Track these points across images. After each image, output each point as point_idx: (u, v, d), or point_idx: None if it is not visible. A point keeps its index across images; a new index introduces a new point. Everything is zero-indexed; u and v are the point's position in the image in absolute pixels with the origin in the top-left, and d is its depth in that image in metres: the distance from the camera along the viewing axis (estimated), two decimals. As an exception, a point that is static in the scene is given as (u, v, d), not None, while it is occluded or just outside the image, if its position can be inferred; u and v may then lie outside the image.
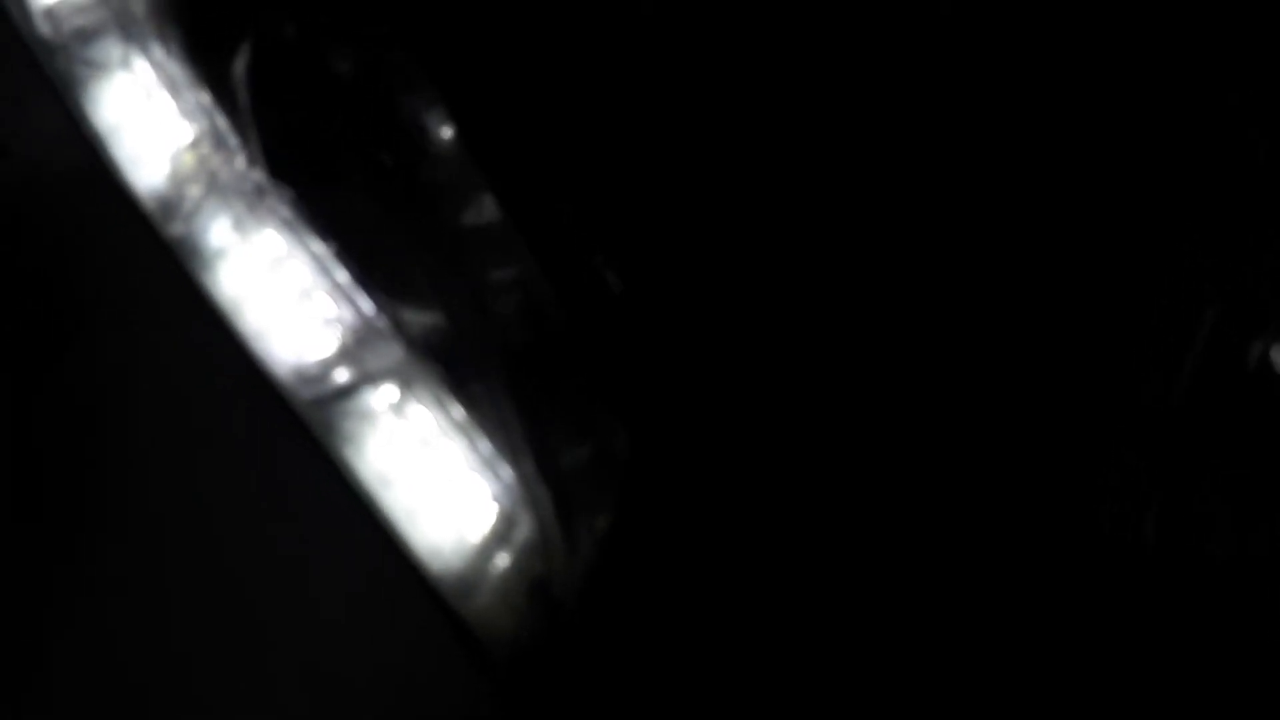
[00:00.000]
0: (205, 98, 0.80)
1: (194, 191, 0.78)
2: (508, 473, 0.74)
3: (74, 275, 0.90)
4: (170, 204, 0.79)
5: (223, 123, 0.79)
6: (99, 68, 0.83)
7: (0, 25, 0.85)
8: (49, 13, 0.85)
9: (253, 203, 0.79)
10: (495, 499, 0.73)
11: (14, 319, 0.90)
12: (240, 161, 0.79)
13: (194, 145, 0.80)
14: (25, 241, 0.92)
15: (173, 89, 0.81)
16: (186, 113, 0.81)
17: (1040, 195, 0.73)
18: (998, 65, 0.73)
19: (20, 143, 0.94)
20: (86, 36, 0.83)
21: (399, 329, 0.76)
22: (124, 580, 0.84)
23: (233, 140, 0.80)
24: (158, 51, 0.81)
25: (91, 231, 0.88)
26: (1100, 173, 0.73)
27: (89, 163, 0.82)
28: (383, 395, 0.75)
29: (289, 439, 0.75)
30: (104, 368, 0.81)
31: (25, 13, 0.86)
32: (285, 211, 0.79)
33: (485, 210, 0.75)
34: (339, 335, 0.76)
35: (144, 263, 0.78)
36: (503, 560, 0.72)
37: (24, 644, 0.84)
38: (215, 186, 0.78)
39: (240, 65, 0.81)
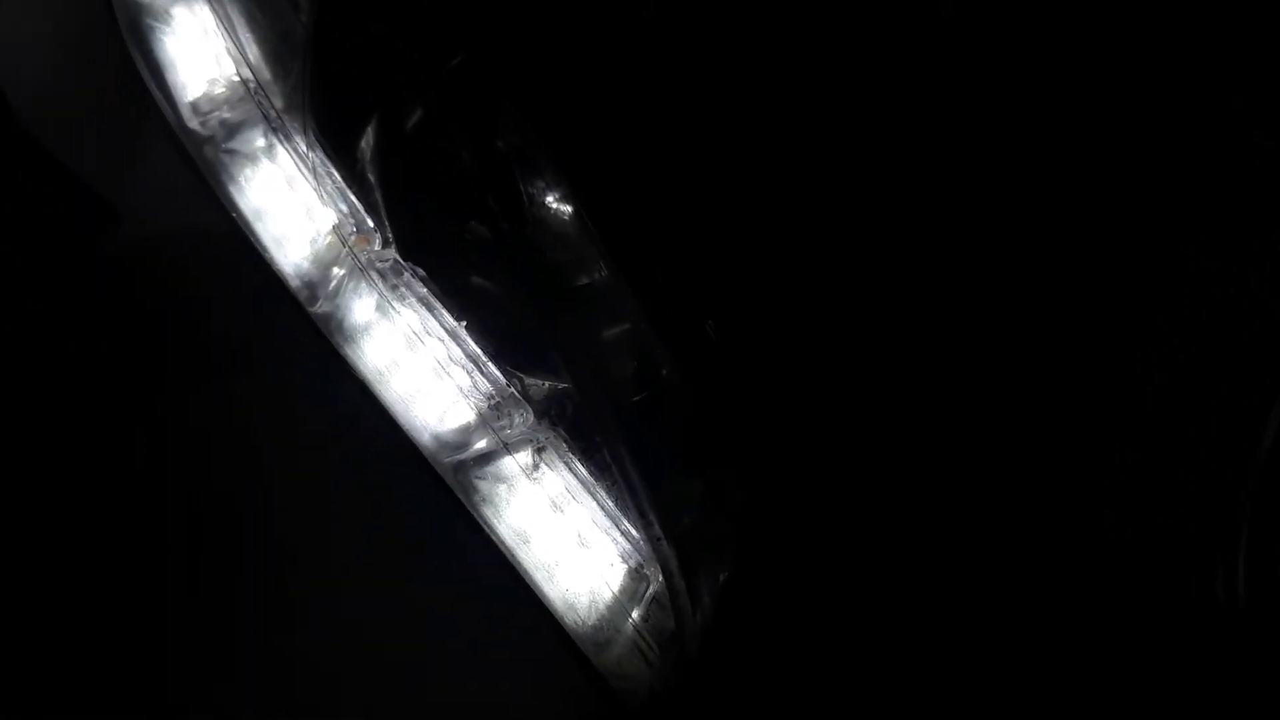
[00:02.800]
0: (342, 184, 0.87)
1: (337, 272, 0.85)
2: (634, 531, 0.79)
3: (218, 344, 0.98)
4: (316, 284, 0.86)
5: (360, 207, 0.86)
6: (245, 157, 0.90)
7: (152, 120, 0.94)
8: (195, 106, 0.92)
9: (391, 281, 0.85)
10: (623, 557, 0.79)
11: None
12: (378, 243, 0.85)
13: (336, 229, 0.86)
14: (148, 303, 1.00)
15: (314, 176, 0.88)
16: (327, 198, 0.87)
17: (1054, 198, 0.75)
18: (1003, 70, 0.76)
19: (164, 220, 1.02)
20: (232, 129, 0.90)
21: (527, 396, 0.82)
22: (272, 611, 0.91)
23: (369, 223, 0.86)
24: (299, 141, 0.88)
25: (237, 305, 0.95)
26: (1107, 175, 0.75)
27: (235, 241, 0.89)
28: (517, 459, 0.81)
29: (433, 500, 0.82)
30: (255, 439, 0.88)
31: (174, 106, 0.94)
32: (420, 289, 0.85)
33: (597, 274, 0.81)
34: (474, 404, 0.82)
35: (292, 336, 0.85)
36: (634, 614, 0.78)
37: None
38: (357, 267, 0.85)
39: (368, 152, 0.87)
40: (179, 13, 0.96)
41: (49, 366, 1.07)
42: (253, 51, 0.92)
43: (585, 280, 0.81)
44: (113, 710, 0.94)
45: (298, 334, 0.84)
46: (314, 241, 0.86)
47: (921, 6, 0.78)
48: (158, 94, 0.94)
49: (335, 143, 0.87)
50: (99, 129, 1.04)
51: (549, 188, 0.80)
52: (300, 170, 0.88)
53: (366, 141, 0.87)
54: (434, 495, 0.80)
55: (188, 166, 0.88)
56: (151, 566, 0.95)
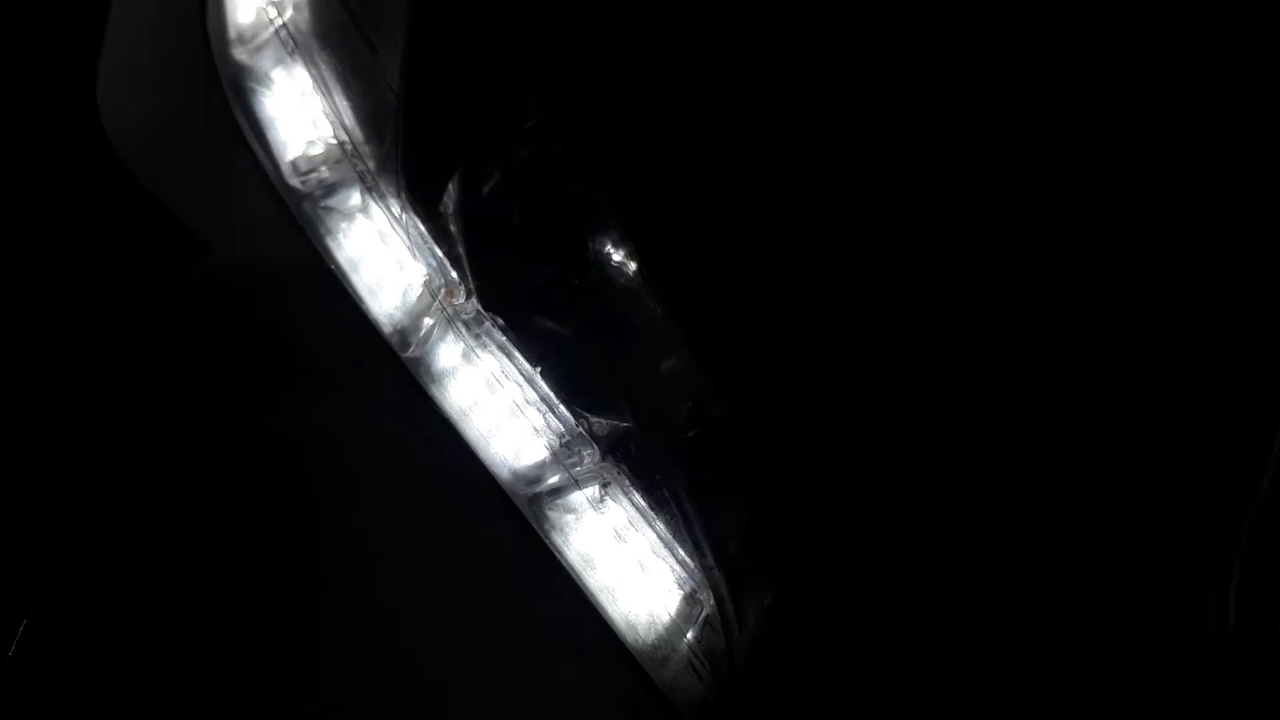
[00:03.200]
0: (431, 241, 0.96)
1: (427, 322, 0.94)
2: (688, 559, 0.89)
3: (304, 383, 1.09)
4: (407, 331, 0.96)
5: (445, 261, 0.96)
6: (341, 214, 1.00)
7: (252, 174, 1.04)
8: (295, 165, 1.02)
9: (474, 330, 0.95)
10: (679, 583, 0.88)
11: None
12: (462, 294, 0.95)
13: (426, 283, 0.96)
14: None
15: (405, 232, 0.98)
16: (417, 253, 0.97)
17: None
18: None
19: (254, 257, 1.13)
20: (330, 188, 1.00)
21: (594, 435, 0.92)
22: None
23: (454, 276, 0.96)
24: (392, 202, 0.98)
25: (328, 342, 1.05)
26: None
27: (331, 289, 0.99)
28: (585, 493, 0.90)
29: (509, 527, 0.91)
30: (343, 467, 0.99)
31: (275, 163, 1.04)
32: (499, 336, 0.94)
33: (655, 323, 0.90)
34: (547, 443, 0.92)
35: (382, 376, 0.95)
36: (688, 635, 0.87)
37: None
38: (445, 317, 0.94)
39: (452, 211, 0.97)
40: (278, 75, 1.06)
41: (138, 390, 1.19)
42: (348, 115, 1.02)
43: (643, 328, 0.90)
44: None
45: (388, 374, 0.95)
46: (405, 293, 0.96)
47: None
48: (259, 150, 1.04)
49: (424, 204, 0.96)
50: (197, 174, 1.14)
51: (612, 240, 0.90)
52: (393, 226, 0.98)
53: (450, 201, 0.96)
54: (511, 523, 0.90)
55: (286, 221, 0.99)
56: (238, 593, 1.06)
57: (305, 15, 1.06)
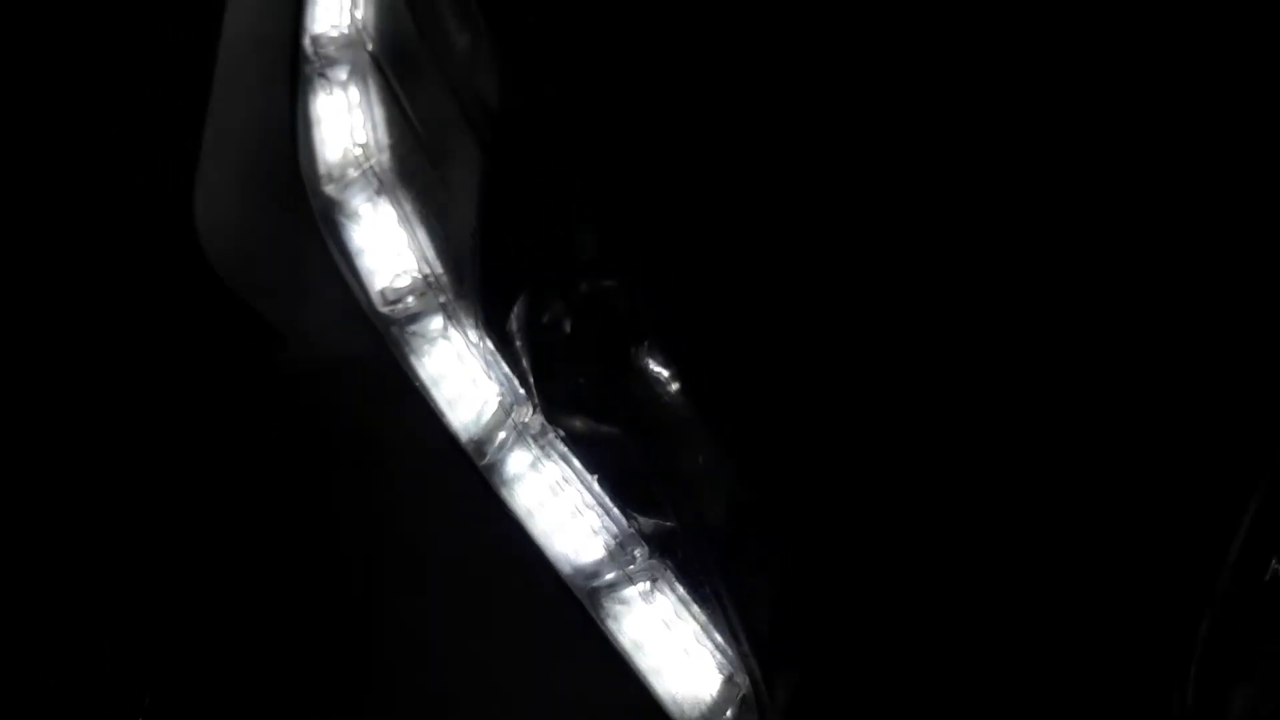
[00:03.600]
0: (502, 363, 1.11)
1: (500, 435, 1.09)
2: (726, 646, 1.02)
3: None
4: (481, 441, 1.10)
5: (515, 381, 1.10)
6: (424, 338, 1.15)
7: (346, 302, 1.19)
8: (383, 294, 1.17)
9: (540, 441, 1.09)
10: (719, 668, 1.01)
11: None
12: (529, 411, 1.09)
13: (500, 400, 1.11)
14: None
15: (480, 356, 1.12)
16: (491, 373, 1.12)
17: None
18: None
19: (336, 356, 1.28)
20: (414, 316, 1.15)
21: (644, 535, 1.05)
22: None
23: (522, 393, 1.10)
24: (469, 329, 1.12)
25: (407, 443, 1.20)
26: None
27: (416, 403, 1.13)
28: (637, 588, 1.04)
29: (572, 616, 1.05)
30: (417, 560, 1.12)
31: (365, 290, 1.19)
32: (561, 447, 1.08)
33: (695, 432, 1.04)
34: (603, 542, 1.05)
35: (461, 482, 1.09)
36: (727, 713, 1.00)
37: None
38: (515, 431, 1.09)
39: (519, 337, 1.12)
40: (365, 210, 1.21)
41: (220, 477, 1.33)
42: (429, 249, 1.16)
43: (686, 444, 1.05)
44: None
45: (467, 479, 1.09)
46: (481, 409, 1.10)
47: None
48: (350, 278, 1.19)
49: (496, 331, 1.11)
50: (288, 293, 1.29)
51: (651, 354, 1.04)
52: (469, 349, 1.12)
53: (517, 329, 1.11)
54: (572, 611, 1.04)
55: (377, 344, 1.13)
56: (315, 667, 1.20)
57: (389, 158, 1.21)
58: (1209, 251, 0.99)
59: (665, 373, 1.04)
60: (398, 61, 1.22)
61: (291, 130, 1.24)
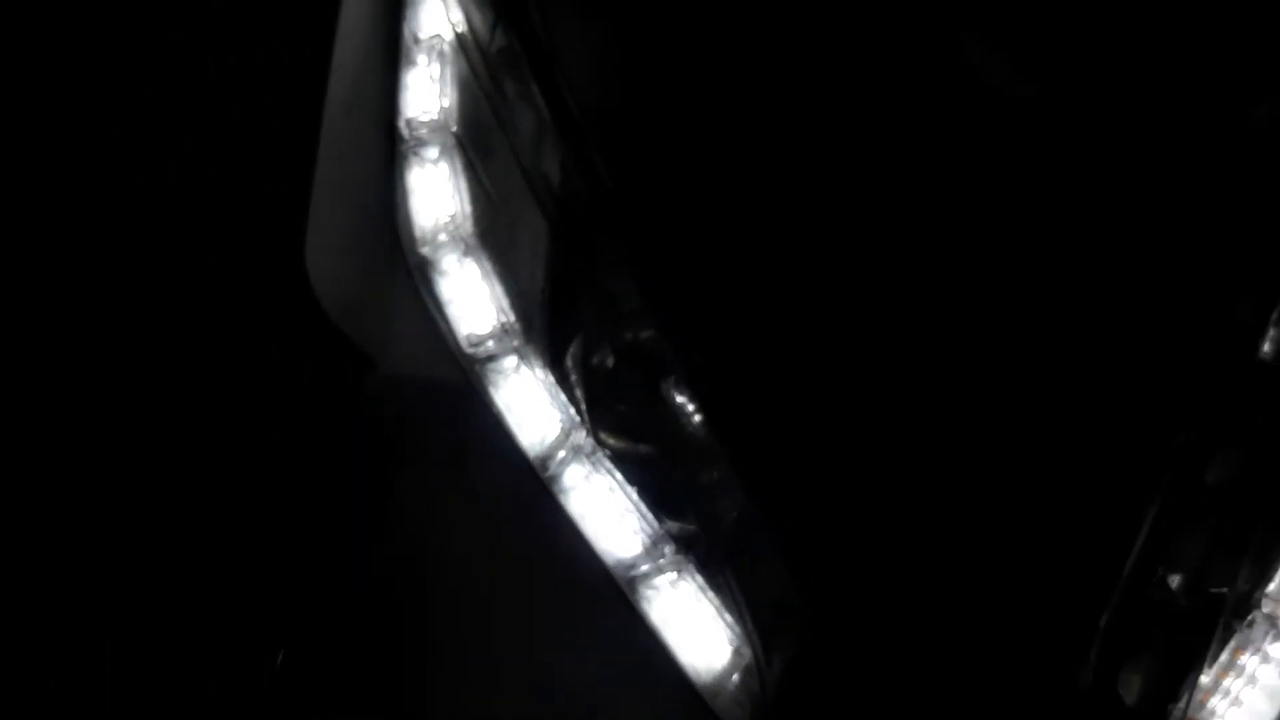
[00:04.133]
0: (562, 395, 1.38)
1: (561, 454, 1.36)
2: (735, 624, 1.29)
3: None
4: (546, 458, 1.37)
5: (571, 409, 1.38)
6: (500, 373, 1.42)
7: (437, 341, 1.46)
8: (468, 338, 1.45)
9: (591, 458, 1.36)
10: (729, 641, 1.28)
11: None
12: (583, 432, 1.37)
13: (560, 424, 1.38)
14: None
15: (545, 389, 1.39)
16: (552, 400, 1.39)
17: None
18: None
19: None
20: (493, 355, 1.42)
21: (672, 535, 1.32)
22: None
23: (577, 418, 1.37)
24: (536, 368, 1.40)
25: (474, 456, 1.47)
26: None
27: (494, 427, 1.41)
28: (666, 578, 1.31)
29: (615, 599, 1.32)
30: (480, 559, 1.40)
31: (454, 334, 1.46)
32: (607, 464, 1.36)
33: (714, 454, 1.31)
34: (640, 541, 1.32)
35: (529, 491, 1.37)
36: (734, 677, 1.27)
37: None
38: (573, 450, 1.36)
39: (573, 370, 1.39)
40: (453, 268, 1.48)
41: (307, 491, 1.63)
42: (504, 301, 1.43)
43: (705, 459, 1.31)
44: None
45: (533, 488, 1.36)
46: (545, 431, 1.37)
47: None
48: (441, 323, 1.47)
49: (558, 369, 1.39)
50: (386, 336, 1.57)
51: (678, 389, 1.31)
52: (536, 383, 1.39)
53: (574, 367, 1.39)
54: (614, 595, 1.31)
55: (464, 379, 1.41)
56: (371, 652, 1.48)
57: (472, 224, 1.48)
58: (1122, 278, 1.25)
59: (689, 406, 1.31)
60: (478, 143, 1.50)
61: (390, 198, 1.52)
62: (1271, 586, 1.22)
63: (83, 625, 1.79)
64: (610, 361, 1.37)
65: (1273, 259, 1.24)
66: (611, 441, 1.36)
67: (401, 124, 1.53)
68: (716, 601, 1.29)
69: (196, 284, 1.88)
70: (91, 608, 1.79)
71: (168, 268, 1.90)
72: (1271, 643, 1.19)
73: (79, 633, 1.79)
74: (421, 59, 1.54)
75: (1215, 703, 1.19)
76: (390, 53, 1.55)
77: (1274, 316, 1.24)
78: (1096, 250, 1.28)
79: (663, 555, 1.31)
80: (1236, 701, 1.19)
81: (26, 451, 1.86)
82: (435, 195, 1.49)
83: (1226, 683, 1.20)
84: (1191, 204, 1.27)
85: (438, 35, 1.54)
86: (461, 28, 1.53)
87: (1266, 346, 1.25)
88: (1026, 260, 1.29)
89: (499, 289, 1.44)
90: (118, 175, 1.99)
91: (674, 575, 1.30)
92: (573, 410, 1.37)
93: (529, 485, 1.37)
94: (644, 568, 1.31)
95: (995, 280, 1.28)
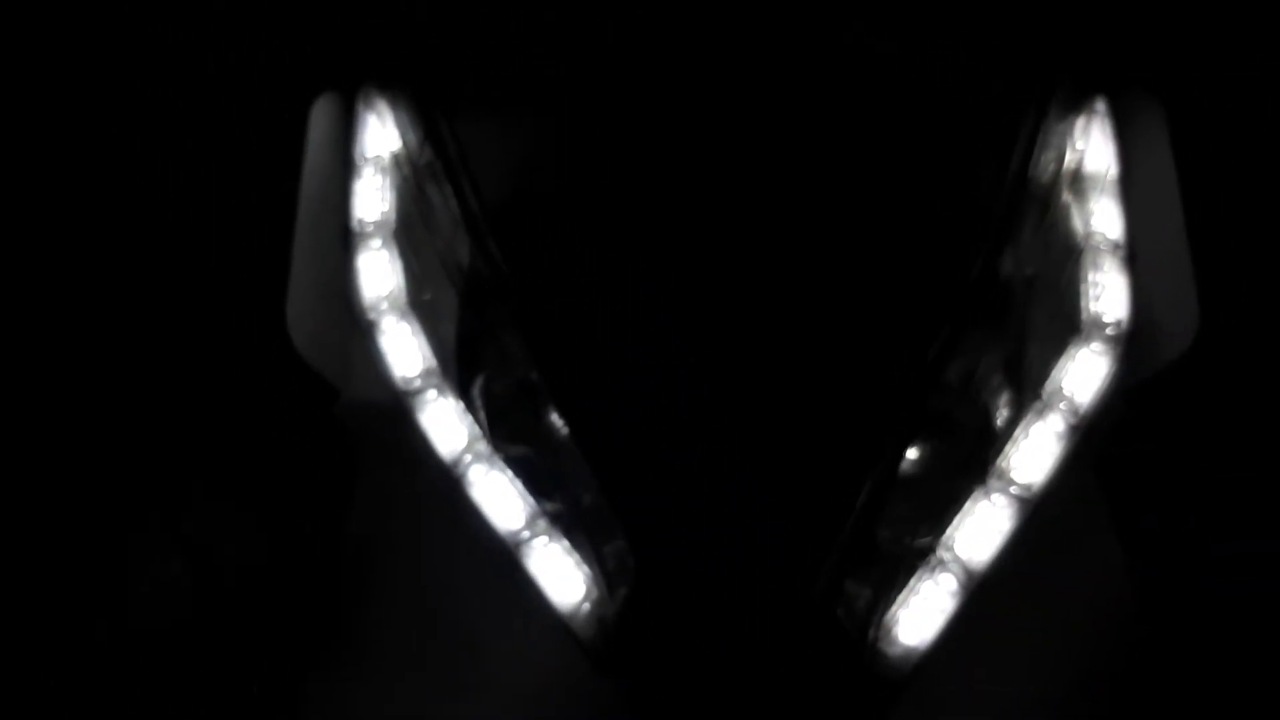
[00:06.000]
0: (470, 415, 1.95)
1: (467, 458, 1.93)
2: (589, 570, 1.86)
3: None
4: (457, 461, 1.94)
5: (477, 425, 1.95)
6: (426, 401, 1.99)
7: (379, 379, 2.03)
8: (402, 377, 2.02)
9: (489, 459, 1.93)
10: (584, 581, 1.85)
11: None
12: (484, 441, 1.94)
13: (469, 434, 1.95)
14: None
15: (457, 410, 1.97)
16: (460, 419, 1.96)
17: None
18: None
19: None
20: (420, 389, 1.99)
21: (545, 512, 1.89)
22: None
23: (479, 431, 1.95)
24: (450, 395, 1.97)
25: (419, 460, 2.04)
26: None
27: (417, 436, 1.97)
28: (541, 541, 1.87)
29: (507, 556, 1.88)
30: (413, 526, 1.97)
31: (390, 374, 2.03)
32: (501, 463, 1.93)
33: (574, 454, 1.89)
34: (524, 516, 1.89)
35: (441, 484, 1.93)
36: (586, 605, 1.84)
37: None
38: (475, 454, 1.93)
39: (476, 394, 1.98)
40: (390, 326, 2.03)
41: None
42: (429, 352, 2.00)
43: (568, 460, 1.90)
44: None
45: (447, 479, 1.93)
46: (456, 439, 1.93)
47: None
48: (382, 366, 2.03)
49: (466, 398, 1.96)
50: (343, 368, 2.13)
51: (552, 418, 1.90)
52: (452, 408, 1.96)
53: (479, 396, 1.97)
54: (505, 555, 1.88)
55: (397, 403, 1.97)
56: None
57: (406, 295, 2.05)
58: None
59: (559, 423, 1.89)
60: (410, 236, 2.07)
61: (348, 275, 2.08)
62: (941, 541, 1.80)
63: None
64: (503, 394, 1.95)
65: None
66: (505, 447, 1.94)
67: (354, 221, 2.09)
68: (576, 556, 1.87)
69: (196, 284, 2.15)
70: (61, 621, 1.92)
71: (167, 268, 2.11)
72: (940, 575, 1.78)
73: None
74: (368, 171, 2.12)
75: (901, 615, 1.78)
76: (346, 166, 2.13)
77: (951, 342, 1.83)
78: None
79: (539, 526, 1.88)
80: (915, 615, 1.78)
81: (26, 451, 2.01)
82: (379, 274, 2.06)
83: (911, 603, 1.79)
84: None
85: (380, 154, 2.12)
86: (397, 147, 2.12)
87: (950, 371, 1.85)
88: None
89: (425, 342, 2.01)
90: (118, 175, 2.10)
91: (546, 539, 1.87)
92: (476, 426, 1.95)
93: (446, 480, 1.93)
94: (526, 535, 1.88)
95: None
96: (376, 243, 2.07)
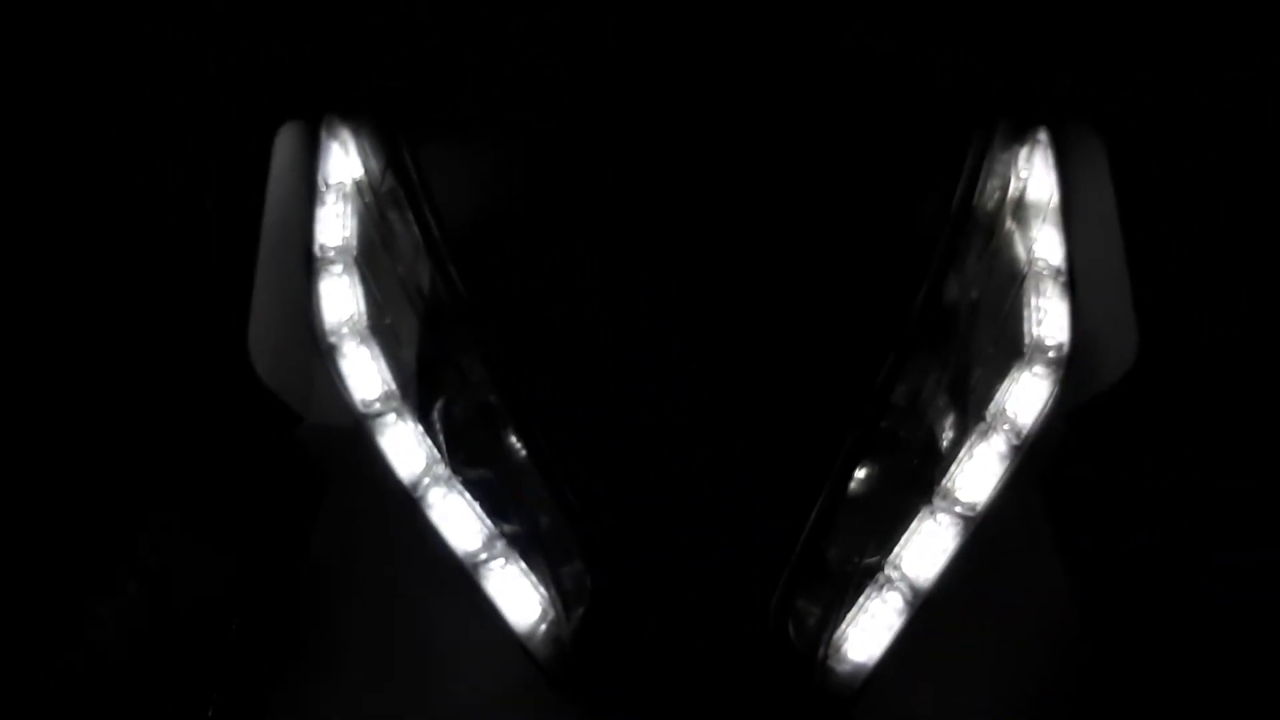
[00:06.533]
0: (429, 439, 1.99)
1: (426, 480, 1.97)
2: (546, 591, 1.90)
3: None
4: (416, 484, 1.97)
5: (435, 449, 1.99)
6: (385, 424, 2.03)
7: (341, 402, 2.07)
8: (363, 401, 2.05)
9: (448, 482, 1.96)
10: (540, 602, 1.89)
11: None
12: (443, 464, 1.97)
13: (427, 457, 1.99)
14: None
15: (416, 432, 2.01)
16: (420, 443, 2.00)
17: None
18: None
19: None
20: (381, 411, 2.03)
21: (502, 533, 1.93)
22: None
23: (437, 454, 1.98)
24: (411, 418, 2.01)
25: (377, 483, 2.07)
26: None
27: (376, 456, 2.01)
28: (498, 563, 1.91)
29: (464, 577, 1.92)
30: (369, 547, 2.01)
31: (351, 398, 2.07)
32: (459, 486, 1.96)
33: (532, 476, 1.93)
34: (481, 538, 1.93)
35: (401, 506, 1.96)
36: (542, 625, 1.88)
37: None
38: (434, 477, 1.97)
39: (436, 417, 2.01)
40: (351, 350, 2.08)
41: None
42: (389, 374, 2.04)
43: (525, 484, 1.94)
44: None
45: (406, 502, 1.96)
46: (416, 462, 1.97)
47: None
48: (342, 388, 2.07)
49: (425, 421, 2.00)
50: (303, 393, 2.16)
51: (510, 440, 1.94)
52: (411, 431, 2.00)
53: (438, 419, 2.00)
54: (463, 576, 1.91)
55: (358, 425, 2.01)
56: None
57: (366, 320, 2.09)
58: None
59: (518, 445, 1.93)
60: (371, 261, 2.11)
61: (309, 301, 2.11)
62: (889, 560, 1.85)
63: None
64: (462, 416, 1.99)
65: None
66: (463, 470, 1.98)
67: (316, 247, 2.13)
68: (533, 577, 1.91)
69: (195, 284, 2.18)
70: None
71: (166, 267, 2.15)
72: (887, 593, 1.83)
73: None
74: (330, 198, 2.15)
75: (850, 632, 1.83)
76: (308, 193, 2.16)
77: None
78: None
79: (497, 548, 1.92)
80: (863, 633, 1.82)
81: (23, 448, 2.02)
82: (340, 299, 2.10)
83: (860, 621, 1.84)
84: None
85: (342, 181, 2.16)
86: (359, 174, 2.16)
87: (897, 393, 1.90)
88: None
89: (384, 366, 2.05)
90: (118, 175, 2.12)
91: (504, 561, 1.92)
92: (435, 450, 1.99)
93: (405, 502, 1.97)
94: (483, 556, 1.92)
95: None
96: (338, 268, 2.11)
